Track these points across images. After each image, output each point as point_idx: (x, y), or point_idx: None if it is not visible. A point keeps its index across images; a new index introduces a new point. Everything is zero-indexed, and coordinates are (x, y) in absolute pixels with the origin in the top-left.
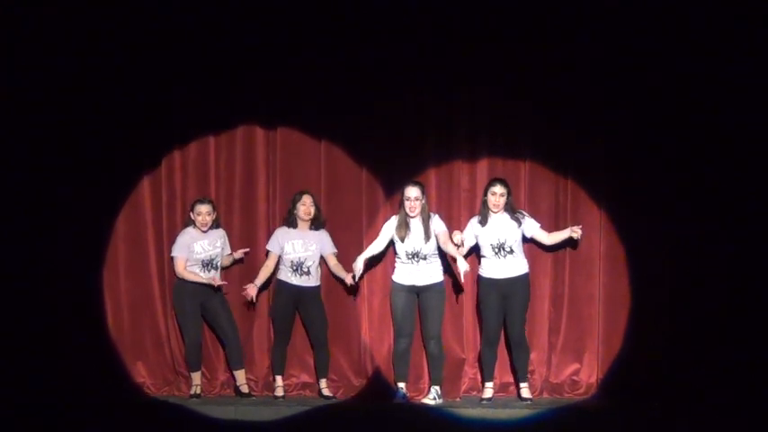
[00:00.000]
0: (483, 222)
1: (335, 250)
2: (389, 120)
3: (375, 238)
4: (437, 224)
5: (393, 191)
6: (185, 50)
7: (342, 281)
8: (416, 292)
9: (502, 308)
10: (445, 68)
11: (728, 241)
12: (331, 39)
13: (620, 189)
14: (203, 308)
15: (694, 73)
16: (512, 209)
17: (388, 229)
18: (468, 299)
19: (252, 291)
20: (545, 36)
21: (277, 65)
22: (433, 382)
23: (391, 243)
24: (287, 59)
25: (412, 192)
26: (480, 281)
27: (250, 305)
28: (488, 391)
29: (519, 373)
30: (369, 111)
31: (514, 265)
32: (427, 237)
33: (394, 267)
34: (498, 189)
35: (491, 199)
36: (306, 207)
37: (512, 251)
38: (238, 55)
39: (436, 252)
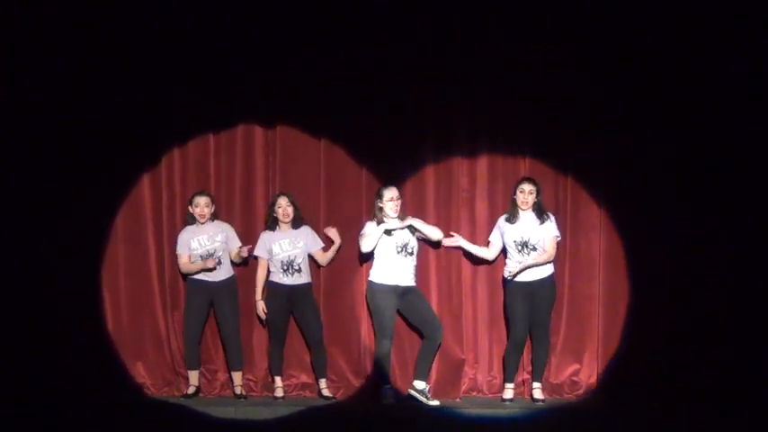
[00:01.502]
0: (511, 220)
1: (322, 245)
2: (389, 120)
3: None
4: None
5: None
6: (185, 50)
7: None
8: (399, 293)
9: (529, 311)
10: (445, 68)
11: (728, 241)
12: (331, 39)
13: (620, 189)
14: (213, 305)
15: (694, 73)
16: (540, 209)
17: (371, 228)
18: (467, 300)
19: (262, 308)
20: (545, 36)
21: (277, 65)
22: (423, 376)
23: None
24: (287, 59)
25: (394, 191)
26: (506, 283)
27: (264, 320)
28: (509, 392)
29: (535, 372)
30: (369, 111)
31: (539, 267)
32: (411, 230)
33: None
34: (527, 187)
35: (519, 197)
36: (282, 209)
37: (535, 249)
38: (238, 55)
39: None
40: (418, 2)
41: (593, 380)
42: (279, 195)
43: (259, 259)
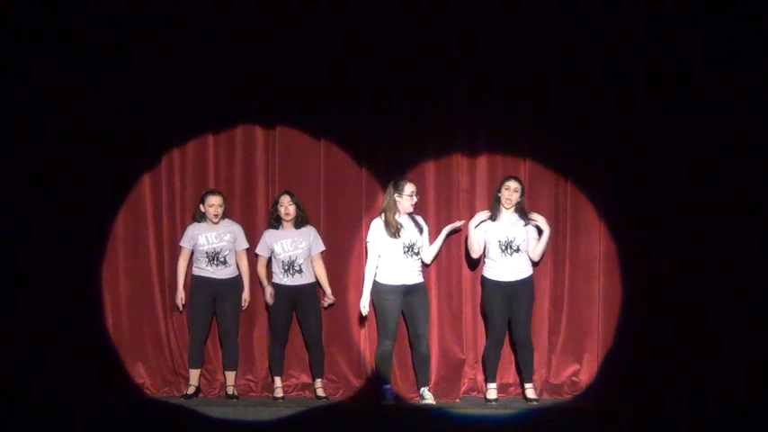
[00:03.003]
0: (493, 218)
1: (323, 249)
2: (389, 120)
3: None
4: (423, 222)
5: None
6: (185, 50)
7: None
8: (404, 292)
9: (507, 309)
10: (445, 68)
11: (729, 241)
12: (331, 39)
13: (620, 190)
14: (216, 302)
15: (695, 73)
16: (522, 210)
17: (376, 236)
18: (467, 300)
19: (270, 293)
20: (545, 37)
21: (277, 65)
22: (423, 383)
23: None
24: (286, 59)
25: (413, 186)
26: (485, 282)
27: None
28: (492, 392)
29: (524, 374)
30: (369, 111)
31: (519, 267)
32: (420, 229)
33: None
34: (512, 184)
35: (504, 194)
36: (284, 208)
37: (518, 250)
38: (238, 55)
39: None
40: (418, 2)
41: (593, 380)
42: (282, 193)
43: (259, 257)
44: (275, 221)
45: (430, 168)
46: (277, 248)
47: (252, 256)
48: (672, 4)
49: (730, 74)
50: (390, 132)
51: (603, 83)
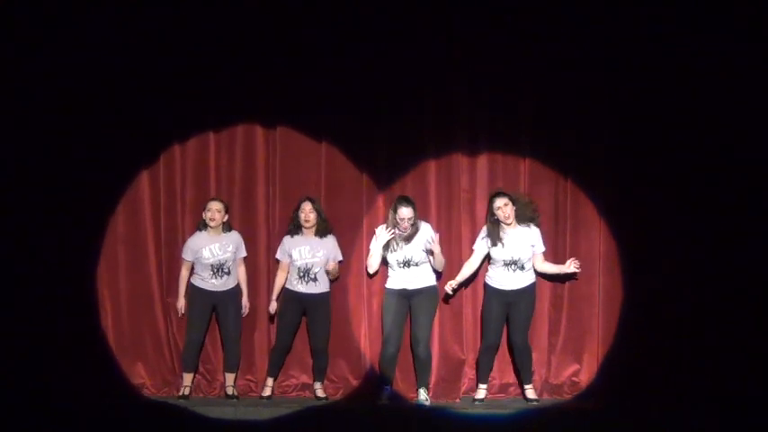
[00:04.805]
0: (494, 242)
1: (340, 258)
2: (389, 120)
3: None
4: (427, 231)
5: (393, 193)
6: (186, 50)
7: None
8: (408, 295)
9: (504, 315)
10: (445, 68)
11: (729, 241)
12: (331, 39)
13: (621, 189)
14: (216, 310)
15: (696, 73)
16: (521, 216)
17: (377, 245)
18: (467, 301)
19: (272, 307)
20: (545, 37)
21: (277, 65)
22: (420, 384)
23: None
24: (287, 59)
25: (406, 212)
26: (486, 288)
27: (272, 319)
28: (481, 392)
29: (523, 376)
30: (369, 111)
31: (522, 279)
32: (416, 246)
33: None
34: (500, 201)
35: (499, 214)
36: (304, 214)
37: (523, 268)
38: (239, 54)
39: (427, 258)
40: (418, 2)
41: (593, 380)
42: (303, 200)
43: (280, 262)
44: (294, 228)
45: (430, 168)
46: (295, 254)
47: (253, 263)
48: (672, 4)
49: (730, 74)
50: (390, 132)
51: (603, 83)
